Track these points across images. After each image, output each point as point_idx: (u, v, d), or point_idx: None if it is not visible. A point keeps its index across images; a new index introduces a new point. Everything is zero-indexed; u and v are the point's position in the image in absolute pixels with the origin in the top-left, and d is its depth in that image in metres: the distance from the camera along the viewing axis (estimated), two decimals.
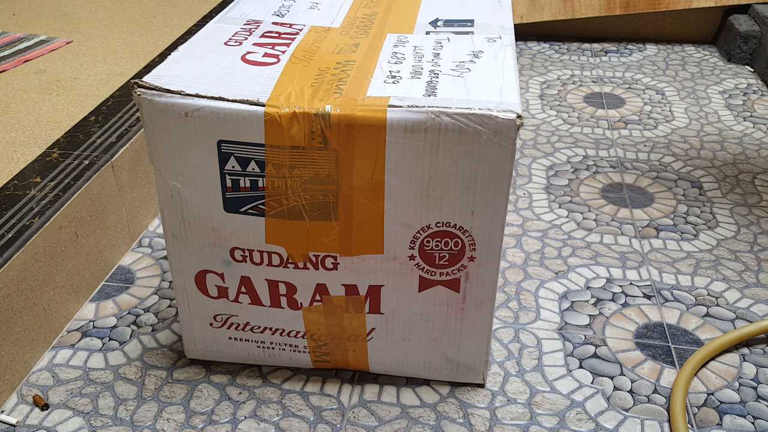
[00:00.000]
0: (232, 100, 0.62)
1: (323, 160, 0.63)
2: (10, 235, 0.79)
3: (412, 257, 0.69)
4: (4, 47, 1.30)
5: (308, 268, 0.70)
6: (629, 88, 1.48)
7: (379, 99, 0.62)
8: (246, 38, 0.74)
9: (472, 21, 0.78)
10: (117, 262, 0.98)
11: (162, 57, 1.25)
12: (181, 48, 0.71)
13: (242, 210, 0.67)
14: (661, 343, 0.84)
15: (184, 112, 0.62)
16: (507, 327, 0.87)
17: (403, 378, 0.80)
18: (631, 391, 0.78)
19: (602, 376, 0.80)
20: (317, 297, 0.72)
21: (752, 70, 1.55)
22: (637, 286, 0.93)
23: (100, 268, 0.94)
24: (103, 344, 0.84)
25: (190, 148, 0.64)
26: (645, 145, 1.26)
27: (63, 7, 1.51)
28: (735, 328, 0.86)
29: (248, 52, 0.70)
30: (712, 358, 0.82)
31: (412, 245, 0.68)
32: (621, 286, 0.93)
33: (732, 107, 1.39)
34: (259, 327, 0.76)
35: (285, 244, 0.69)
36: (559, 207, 1.09)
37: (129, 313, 0.89)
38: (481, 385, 0.78)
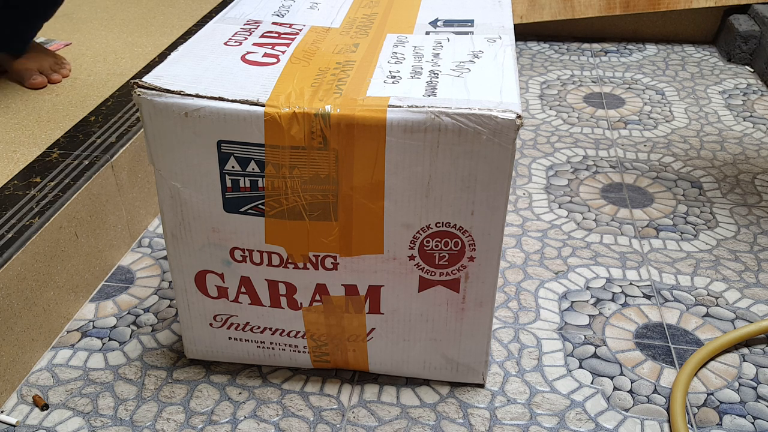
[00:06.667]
0: (232, 100, 0.62)
1: (323, 160, 0.63)
2: (10, 235, 0.79)
3: (412, 257, 0.69)
4: None
5: (308, 268, 0.70)
6: (629, 88, 1.48)
7: (379, 99, 0.62)
8: (246, 38, 0.74)
9: (471, 21, 0.78)
10: (117, 262, 0.98)
11: (162, 57, 1.25)
12: (181, 48, 0.71)
13: (242, 210, 0.67)
14: (661, 343, 0.84)
15: (183, 112, 0.62)
16: (507, 327, 0.87)
17: (403, 378, 0.80)
18: (631, 391, 0.78)
19: (602, 376, 0.80)
20: (317, 297, 0.72)
21: (752, 70, 1.55)
22: (637, 286, 0.93)
23: (100, 268, 0.94)
24: (103, 344, 0.84)
25: (190, 148, 0.64)
26: (645, 145, 1.26)
27: (63, 8, 1.51)
28: (735, 328, 0.86)
29: (248, 52, 0.70)
30: (712, 358, 0.82)
31: (411, 245, 0.68)
32: (621, 286, 0.93)
33: (732, 107, 1.39)
34: (259, 327, 0.76)
35: (285, 244, 0.69)
36: (559, 207, 1.09)
37: (129, 313, 0.89)
38: (481, 385, 0.78)
